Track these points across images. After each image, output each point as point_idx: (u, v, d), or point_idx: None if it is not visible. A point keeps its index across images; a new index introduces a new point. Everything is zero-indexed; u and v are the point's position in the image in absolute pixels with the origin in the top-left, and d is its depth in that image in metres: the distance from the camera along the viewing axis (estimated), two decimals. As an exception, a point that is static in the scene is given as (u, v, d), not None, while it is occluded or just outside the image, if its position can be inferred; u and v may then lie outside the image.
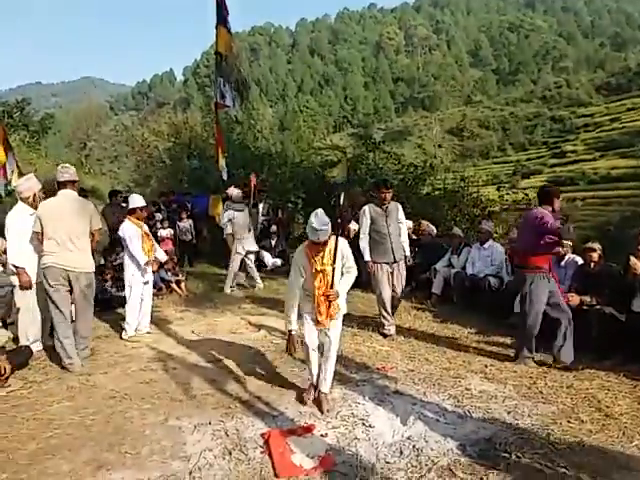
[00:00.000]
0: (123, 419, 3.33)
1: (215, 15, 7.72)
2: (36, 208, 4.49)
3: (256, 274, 8.00)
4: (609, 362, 4.20)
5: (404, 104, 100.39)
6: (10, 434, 3.10)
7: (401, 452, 2.86)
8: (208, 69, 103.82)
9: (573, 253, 5.39)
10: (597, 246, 4.91)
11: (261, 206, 10.51)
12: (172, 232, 9.58)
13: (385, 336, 5.19)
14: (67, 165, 4.59)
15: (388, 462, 2.76)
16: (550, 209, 4.23)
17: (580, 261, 5.16)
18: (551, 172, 50.50)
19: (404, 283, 5.44)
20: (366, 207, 5.31)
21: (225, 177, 8.68)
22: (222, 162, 8.61)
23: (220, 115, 9.01)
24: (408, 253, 5.47)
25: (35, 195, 4.60)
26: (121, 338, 5.18)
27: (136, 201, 5.41)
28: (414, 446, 2.92)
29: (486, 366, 4.27)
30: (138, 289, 5.29)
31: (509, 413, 3.36)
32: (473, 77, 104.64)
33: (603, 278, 4.70)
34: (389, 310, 5.26)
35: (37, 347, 4.58)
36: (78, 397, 3.70)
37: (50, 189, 4.81)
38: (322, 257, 3.40)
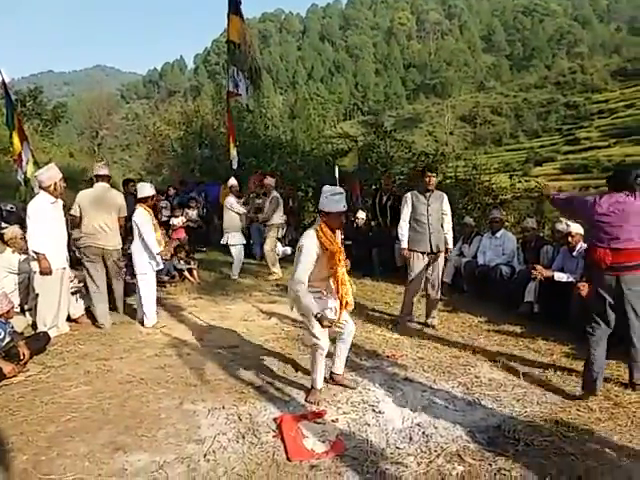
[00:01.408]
0: (139, 403, 3.41)
1: (227, 3, 7.72)
2: (57, 197, 4.76)
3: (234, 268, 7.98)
4: (619, 351, 4.18)
5: (415, 91, 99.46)
6: (29, 417, 3.19)
7: (411, 438, 2.91)
8: (219, 57, 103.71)
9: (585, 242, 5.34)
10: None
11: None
12: (185, 220, 9.66)
13: (397, 324, 5.23)
14: (103, 162, 5.27)
15: (398, 447, 2.81)
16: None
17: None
18: (564, 159, 49.83)
19: (441, 277, 5.31)
20: (408, 194, 5.24)
21: (235, 166, 8.73)
22: (233, 151, 8.67)
23: (231, 104, 9.05)
24: (451, 245, 5.34)
25: (56, 184, 4.74)
26: (143, 325, 5.25)
27: (146, 190, 5.39)
28: (423, 432, 2.97)
29: (496, 354, 4.30)
30: (152, 277, 5.34)
31: (518, 401, 3.39)
32: (486, 63, 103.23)
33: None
34: (412, 301, 5.23)
35: (54, 333, 4.70)
36: (95, 381, 3.80)
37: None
38: (336, 236, 3.37)
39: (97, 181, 5.32)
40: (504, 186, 10.31)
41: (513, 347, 4.53)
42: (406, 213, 5.19)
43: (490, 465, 2.61)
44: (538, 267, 5.24)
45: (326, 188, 3.38)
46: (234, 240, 7.76)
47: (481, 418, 3.16)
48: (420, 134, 68.77)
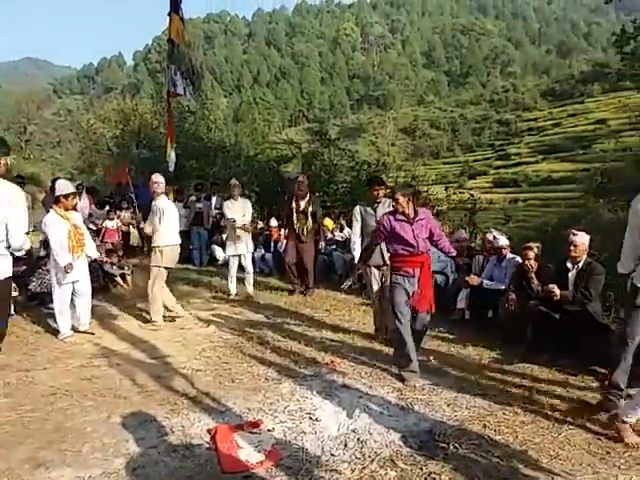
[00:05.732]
0: (63, 416, 3.22)
1: (169, 2, 7.56)
2: None
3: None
4: (542, 357, 4.44)
5: (359, 101, 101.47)
6: (-62, 434, 2.94)
7: (346, 445, 2.94)
8: (160, 55, 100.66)
9: (513, 253, 5.65)
10: (535, 245, 5.16)
11: (214, 199, 10.35)
12: (119, 223, 9.28)
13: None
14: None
15: (333, 454, 2.83)
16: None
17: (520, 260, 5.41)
18: (495, 173, 52.66)
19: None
20: (357, 208, 5.15)
21: (172, 168, 8.46)
22: (171, 152, 8.40)
23: (172, 104, 8.81)
24: None
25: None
26: (57, 338, 4.89)
27: (62, 188, 4.75)
28: (358, 439, 3.00)
29: (429, 360, 4.43)
30: (64, 289, 4.81)
31: (449, 405, 3.51)
32: (426, 78, 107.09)
33: (539, 277, 4.94)
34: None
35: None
36: (16, 394, 3.55)
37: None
38: None
39: None
40: (440, 197, 10.74)
41: (445, 352, 4.70)
42: (357, 228, 5.13)
43: (421, 469, 2.68)
44: (472, 277, 5.49)
45: None
46: None
47: (414, 423, 3.24)
48: (363, 144, 70.08)
